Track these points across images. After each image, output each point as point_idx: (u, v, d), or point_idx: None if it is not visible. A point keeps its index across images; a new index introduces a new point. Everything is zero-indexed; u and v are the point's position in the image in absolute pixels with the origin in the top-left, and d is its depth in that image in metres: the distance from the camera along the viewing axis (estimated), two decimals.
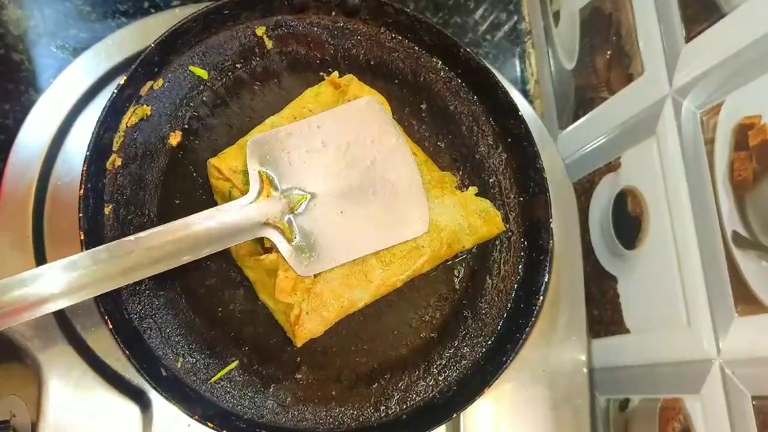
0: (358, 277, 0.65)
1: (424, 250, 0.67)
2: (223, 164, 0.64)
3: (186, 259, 0.59)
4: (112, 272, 0.56)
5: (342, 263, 0.63)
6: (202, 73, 0.70)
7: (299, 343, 0.63)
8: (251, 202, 0.61)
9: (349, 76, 0.70)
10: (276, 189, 0.62)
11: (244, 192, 0.63)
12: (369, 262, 0.65)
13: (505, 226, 0.72)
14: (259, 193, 0.61)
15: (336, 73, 0.70)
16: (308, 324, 0.63)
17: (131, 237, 0.58)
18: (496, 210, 0.71)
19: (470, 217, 0.69)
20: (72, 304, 0.55)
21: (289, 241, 0.62)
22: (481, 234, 0.70)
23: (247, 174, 0.63)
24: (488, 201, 0.71)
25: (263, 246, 0.64)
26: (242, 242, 0.62)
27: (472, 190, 0.71)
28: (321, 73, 0.74)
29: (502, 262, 0.73)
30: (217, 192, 0.67)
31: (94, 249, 0.56)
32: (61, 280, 0.55)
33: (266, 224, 0.61)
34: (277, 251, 0.62)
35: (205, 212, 0.60)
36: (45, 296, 0.54)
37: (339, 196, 0.63)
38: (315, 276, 0.63)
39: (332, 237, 0.63)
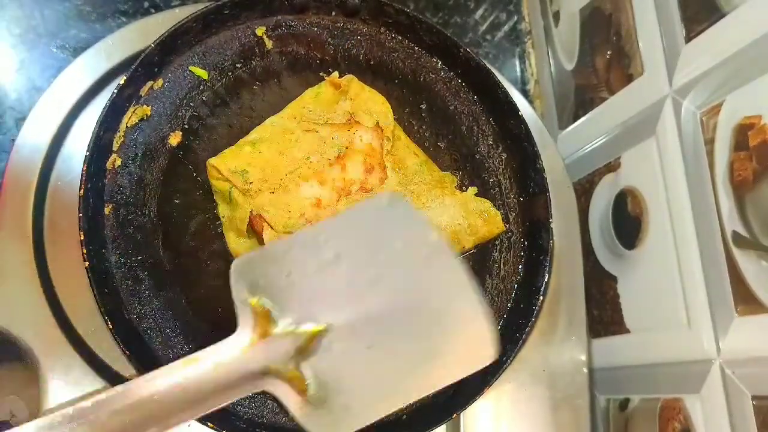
0: None
1: None
2: (222, 164, 0.64)
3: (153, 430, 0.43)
4: None
5: (378, 419, 0.47)
6: (202, 73, 0.70)
7: None
8: (243, 347, 0.45)
9: (349, 77, 0.70)
10: (276, 324, 0.47)
11: (244, 192, 0.63)
12: None
13: (505, 226, 0.72)
14: (253, 331, 0.46)
15: (336, 74, 0.70)
16: None
17: (87, 402, 0.43)
18: (496, 210, 0.71)
19: (470, 217, 0.69)
20: None
21: (301, 393, 0.46)
22: (482, 234, 0.70)
23: (247, 173, 0.62)
24: (488, 201, 0.71)
25: (262, 244, 0.64)
26: (237, 398, 0.46)
27: (472, 190, 0.71)
28: (321, 74, 0.74)
29: (502, 262, 0.73)
30: (217, 192, 0.67)
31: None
32: None
33: (267, 374, 0.45)
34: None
35: (179, 362, 0.44)
36: None
37: (364, 325, 0.46)
38: None
39: (361, 383, 0.46)
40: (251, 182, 0.64)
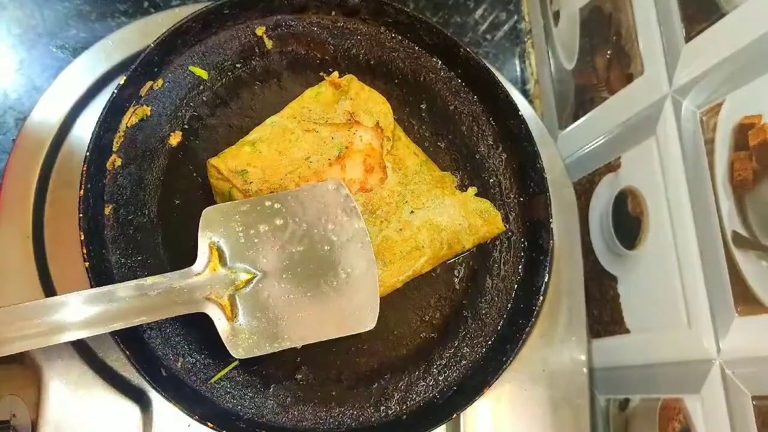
0: None
1: (425, 251, 0.67)
2: (222, 164, 0.64)
3: (116, 326, 0.56)
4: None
5: (282, 349, 0.61)
6: (202, 73, 0.70)
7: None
8: (196, 274, 0.58)
9: (349, 76, 0.70)
10: (225, 264, 0.60)
11: (245, 192, 0.63)
12: None
13: (505, 226, 0.72)
14: (207, 265, 0.59)
15: (336, 73, 0.70)
16: None
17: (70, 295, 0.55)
18: (496, 210, 0.71)
19: (470, 218, 0.69)
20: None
21: (229, 319, 0.59)
22: (482, 234, 0.70)
23: (247, 173, 0.63)
24: (488, 201, 0.71)
25: None
26: (180, 314, 0.59)
27: (472, 190, 0.71)
28: (321, 73, 0.74)
29: (502, 262, 0.73)
30: (217, 192, 0.67)
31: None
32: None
33: (208, 299, 0.58)
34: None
35: (148, 279, 0.57)
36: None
37: (289, 279, 0.60)
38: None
39: (275, 321, 0.60)
40: (251, 182, 0.64)
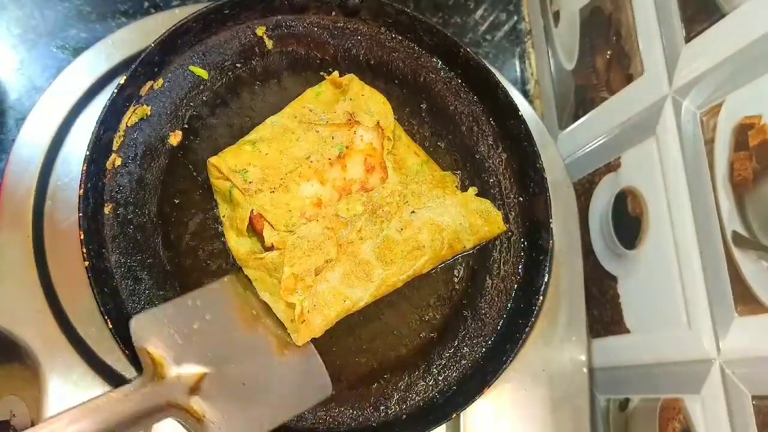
0: (359, 277, 0.65)
1: (425, 251, 0.67)
2: (222, 163, 0.64)
3: None
4: None
5: None
6: (202, 73, 0.70)
7: (300, 342, 0.63)
8: (143, 387, 0.57)
9: (350, 76, 0.70)
10: (170, 369, 0.59)
11: (245, 191, 0.63)
12: (370, 262, 0.65)
13: (506, 226, 0.72)
14: (153, 375, 0.58)
15: (336, 73, 0.70)
16: (311, 322, 0.63)
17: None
18: (497, 210, 0.71)
19: (471, 217, 0.69)
20: None
21: (200, 420, 0.59)
22: (482, 234, 0.70)
23: (247, 173, 0.63)
24: (489, 201, 0.71)
25: (263, 244, 0.64)
26: (147, 427, 0.59)
27: (473, 190, 0.71)
28: (321, 73, 0.74)
29: (502, 262, 0.73)
30: (218, 192, 0.67)
31: None
32: None
33: (172, 406, 0.58)
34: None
35: (95, 400, 0.55)
36: None
37: (237, 366, 0.61)
38: (317, 274, 0.63)
39: (243, 410, 0.60)
40: (251, 181, 0.64)
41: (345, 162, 0.66)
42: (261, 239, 0.63)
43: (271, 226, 0.63)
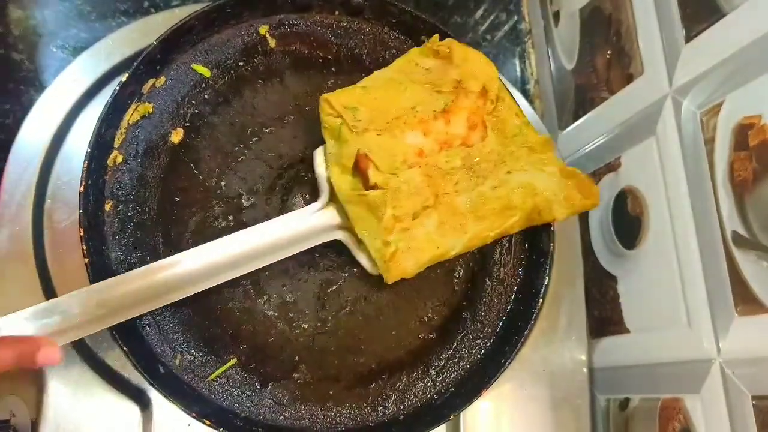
0: (453, 227, 0.65)
1: (516, 211, 0.66)
2: (335, 99, 0.64)
3: (256, 264, 0.64)
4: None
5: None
6: (205, 71, 0.70)
7: (390, 281, 0.64)
8: (319, 207, 0.65)
9: (449, 40, 0.70)
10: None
11: (353, 128, 0.64)
12: (464, 214, 0.65)
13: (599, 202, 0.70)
14: (328, 197, 0.65)
15: (436, 37, 0.70)
16: (402, 263, 0.63)
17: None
18: (593, 182, 0.69)
19: (567, 188, 0.68)
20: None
21: (360, 242, 0.64)
22: (576, 208, 0.68)
23: (357, 110, 0.64)
24: (583, 174, 0.69)
25: (365, 184, 0.63)
26: (316, 244, 0.65)
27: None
28: (324, 72, 0.73)
29: (502, 264, 0.73)
30: (326, 128, 0.66)
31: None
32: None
33: (342, 228, 0.65)
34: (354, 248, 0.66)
35: (279, 219, 0.64)
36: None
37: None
38: (414, 219, 0.65)
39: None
40: (360, 120, 0.64)
41: (449, 117, 0.66)
42: (364, 179, 0.63)
43: (376, 166, 0.63)
